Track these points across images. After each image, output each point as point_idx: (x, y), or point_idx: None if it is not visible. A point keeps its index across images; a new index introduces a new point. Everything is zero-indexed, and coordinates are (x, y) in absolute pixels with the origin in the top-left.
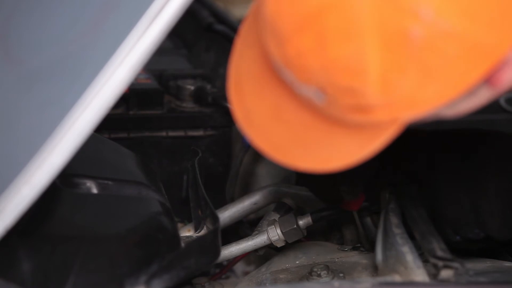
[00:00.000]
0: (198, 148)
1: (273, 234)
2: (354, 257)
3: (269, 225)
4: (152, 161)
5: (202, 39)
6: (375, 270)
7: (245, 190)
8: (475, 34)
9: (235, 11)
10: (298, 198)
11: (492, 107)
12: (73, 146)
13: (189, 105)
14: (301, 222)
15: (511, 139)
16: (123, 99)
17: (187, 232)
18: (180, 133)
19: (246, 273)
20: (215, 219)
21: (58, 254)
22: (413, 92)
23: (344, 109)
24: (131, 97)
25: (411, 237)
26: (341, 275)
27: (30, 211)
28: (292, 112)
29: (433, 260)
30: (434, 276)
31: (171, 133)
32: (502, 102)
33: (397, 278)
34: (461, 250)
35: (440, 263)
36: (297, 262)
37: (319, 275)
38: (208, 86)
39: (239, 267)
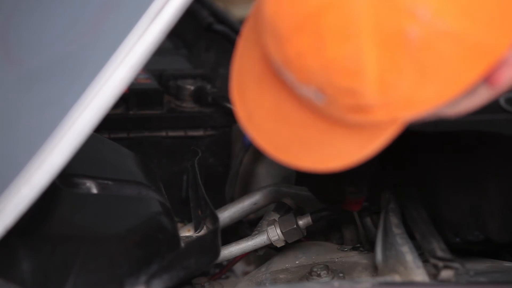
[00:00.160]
0: (198, 148)
1: (273, 234)
2: (354, 257)
3: (269, 225)
4: (152, 161)
5: (202, 39)
6: (375, 270)
7: (245, 190)
8: (472, 34)
9: (235, 11)
10: (298, 198)
11: (492, 107)
12: (73, 146)
13: (189, 105)
14: (301, 222)
15: (510, 140)
16: (123, 99)
17: (187, 232)
18: (180, 133)
19: (246, 273)
20: (215, 219)
21: (58, 254)
22: (411, 92)
23: (343, 109)
24: (131, 97)
25: (411, 237)
26: (341, 275)
27: (30, 211)
28: (293, 112)
29: (433, 261)
30: (434, 276)
31: (171, 133)
32: (502, 102)
33: (397, 278)
34: (461, 251)
35: (440, 264)
36: (297, 262)
37: (319, 275)
38: (208, 86)
39: (239, 267)
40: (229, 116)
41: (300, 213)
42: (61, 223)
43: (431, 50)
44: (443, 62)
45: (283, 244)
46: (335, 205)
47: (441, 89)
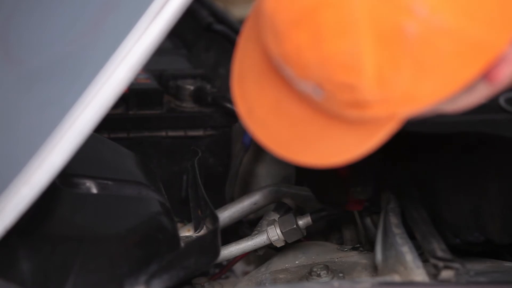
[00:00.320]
0: (198, 148)
1: (273, 234)
2: (354, 257)
3: (268, 225)
4: (151, 161)
5: (202, 39)
6: (374, 270)
7: (245, 190)
8: (470, 30)
9: (235, 11)
10: (298, 198)
11: (492, 107)
12: (73, 146)
13: (188, 105)
14: (300, 222)
15: (511, 140)
16: (123, 99)
17: (187, 232)
18: (180, 133)
19: (245, 273)
20: (215, 219)
21: (58, 254)
22: (410, 88)
23: (342, 104)
24: (131, 97)
25: (411, 237)
26: (341, 275)
27: (30, 211)
28: (292, 108)
29: (433, 261)
30: (434, 276)
31: (170, 133)
32: (502, 102)
33: (396, 278)
34: (461, 251)
35: (441, 264)
36: (296, 262)
37: (318, 275)
38: (208, 86)
39: (239, 267)
40: (229, 116)
41: (300, 213)
42: (61, 223)
43: (428, 46)
44: (441, 59)
45: (283, 244)
46: (335, 206)
47: (440, 86)
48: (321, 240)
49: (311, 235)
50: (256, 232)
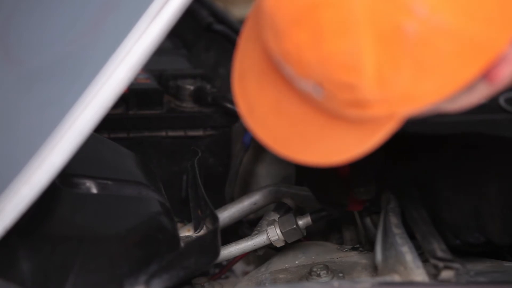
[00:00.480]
0: (197, 148)
1: (273, 234)
2: (354, 257)
3: (268, 225)
4: (151, 161)
5: (202, 39)
6: (374, 270)
7: (245, 190)
8: (470, 30)
9: (235, 11)
10: (298, 198)
11: (492, 107)
12: (73, 146)
13: (188, 105)
14: (300, 222)
15: (511, 140)
16: (123, 99)
17: (186, 232)
18: (180, 133)
19: (245, 273)
20: (215, 219)
21: (58, 254)
22: (409, 87)
23: (342, 103)
24: (131, 97)
25: (411, 237)
26: (341, 275)
27: (29, 211)
28: (293, 106)
29: (433, 261)
30: (434, 276)
31: (170, 133)
32: (502, 102)
33: (396, 278)
34: (461, 251)
35: (441, 264)
36: (296, 262)
37: (318, 275)
38: (208, 86)
39: (239, 267)
40: (229, 116)
41: (300, 213)
42: (61, 223)
43: (428, 46)
44: (441, 58)
45: (282, 244)
46: (335, 206)
47: (439, 85)
48: (321, 240)
49: (311, 235)
50: (256, 232)
